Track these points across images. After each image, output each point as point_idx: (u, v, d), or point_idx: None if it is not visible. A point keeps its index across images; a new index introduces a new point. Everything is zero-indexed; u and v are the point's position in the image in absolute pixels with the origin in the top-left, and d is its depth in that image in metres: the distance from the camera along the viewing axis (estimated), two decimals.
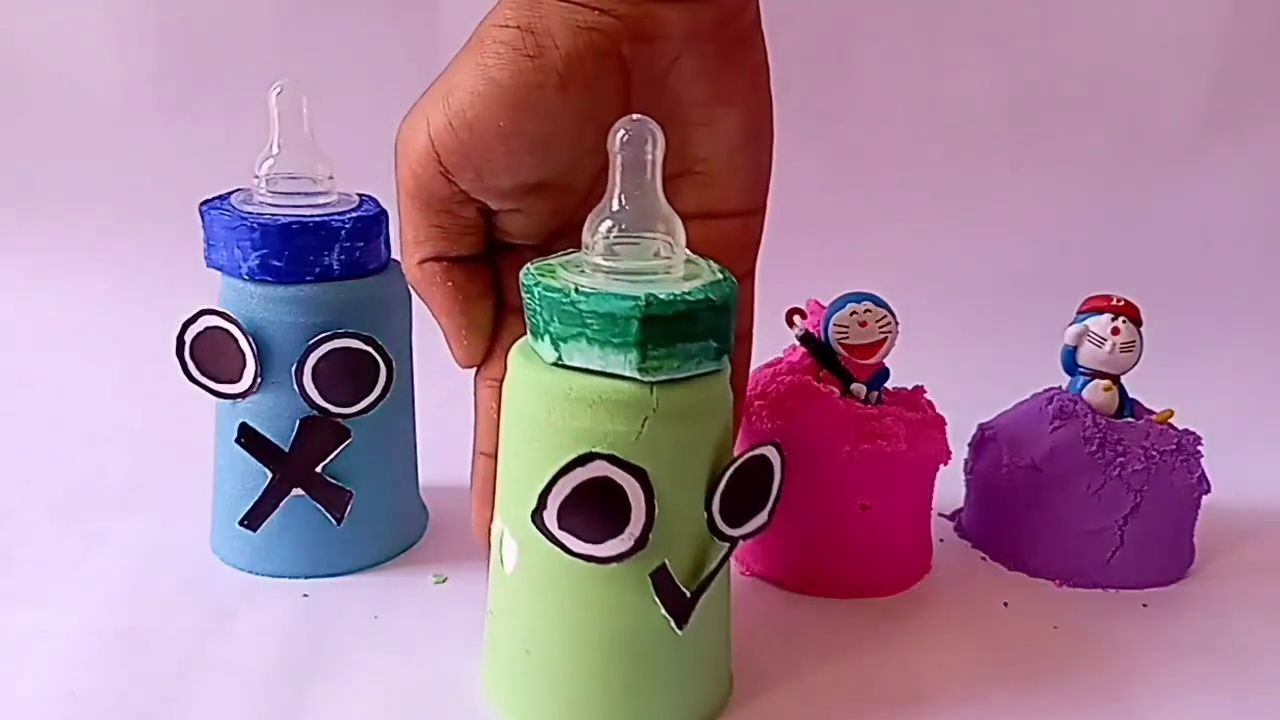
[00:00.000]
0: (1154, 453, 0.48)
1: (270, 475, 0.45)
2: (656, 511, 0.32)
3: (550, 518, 0.33)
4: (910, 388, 0.50)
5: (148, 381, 0.57)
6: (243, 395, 0.45)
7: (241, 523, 0.46)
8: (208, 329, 0.44)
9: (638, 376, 0.32)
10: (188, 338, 0.44)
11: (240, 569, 0.47)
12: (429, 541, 0.51)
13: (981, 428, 0.53)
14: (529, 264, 0.34)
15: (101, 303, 0.80)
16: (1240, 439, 0.60)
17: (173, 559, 0.48)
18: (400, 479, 0.50)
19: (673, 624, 0.34)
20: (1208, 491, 0.49)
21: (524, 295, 0.34)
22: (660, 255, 0.33)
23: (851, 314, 0.47)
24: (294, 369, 0.44)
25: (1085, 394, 0.50)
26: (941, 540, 0.53)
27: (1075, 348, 0.50)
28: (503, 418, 0.36)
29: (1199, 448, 0.49)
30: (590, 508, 0.32)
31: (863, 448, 0.46)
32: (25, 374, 0.69)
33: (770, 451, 0.35)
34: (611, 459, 0.32)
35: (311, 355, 0.44)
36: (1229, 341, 0.82)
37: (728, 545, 0.35)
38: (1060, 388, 0.51)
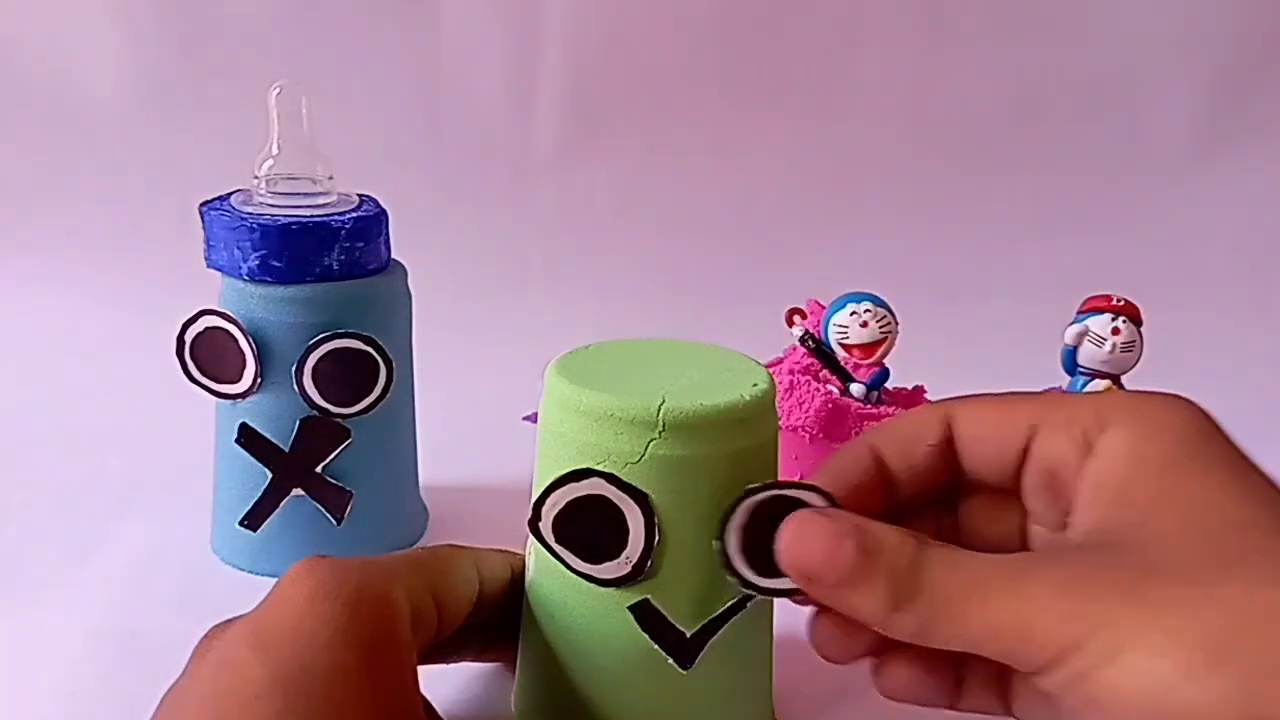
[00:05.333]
0: None
1: (270, 475, 0.45)
2: (658, 539, 0.31)
3: (546, 528, 0.32)
4: (910, 388, 0.50)
5: (148, 381, 0.57)
6: (243, 395, 0.45)
7: (241, 523, 0.46)
8: (208, 329, 0.44)
9: None
10: (188, 338, 0.44)
11: (240, 569, 0.47)
12: (429, 541, 0.51)
13: None
14: None
15: (102, 303, 0.80)
16: (1240, 439, 0.60)
17: (173, 559, 0.48)
18: (400, 479, 0.50)
19: (673, 662, 0.33)
20: None
21: None
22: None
23: (851, 314, 0.47)
24: (294, 369, 0.44)
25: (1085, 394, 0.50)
26: None
27: (1075, 348, 0.50)
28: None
29: None
30: (588, 525, 0.32)
31: None
32: (25, 374, 0.69)
33: (813, 497, 0.31)
34: (610, 478, 0.31)
35: (311, 355, 0.44)
36: (1229, 341, 0.82)
37: (742, 590, 0.32)
38: (1060, 388, 0.51)
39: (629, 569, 0.32)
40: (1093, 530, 0.27)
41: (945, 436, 0.31)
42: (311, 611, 0.28)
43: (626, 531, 0.31)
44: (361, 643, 0.28)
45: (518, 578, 0.36)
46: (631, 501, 0.31)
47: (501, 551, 0.36)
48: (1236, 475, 0.26)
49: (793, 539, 0.29)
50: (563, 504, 0.32)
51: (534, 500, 0.32)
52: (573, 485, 0.31)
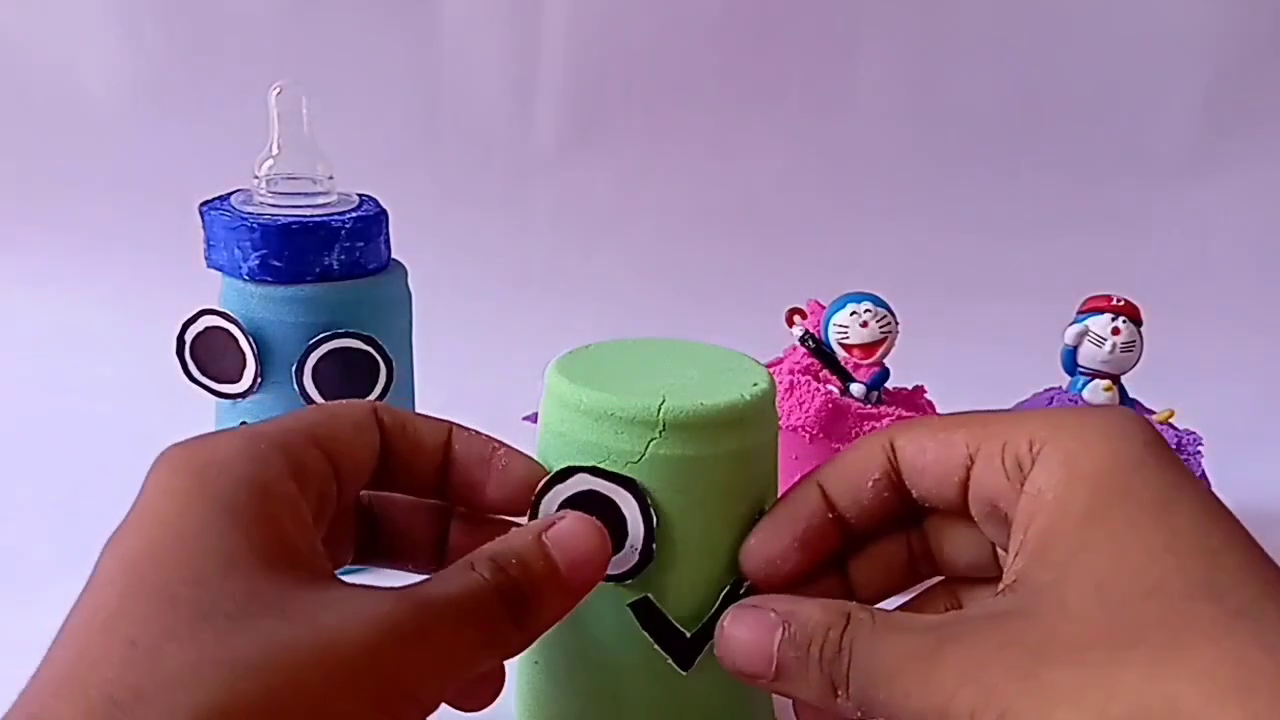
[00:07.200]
0: None
1: None
2: (656, 522, 0.31)
3: None
4: (910, 388, 0.50)
5: (148, 381, 0.57)
6: (243, 395, 0.45)
7: None
8: (208, 329, 0.44)
9: None
10: (188, 338, 0.44)
11: None
12: None
13: None
14: None
15: (102, 303, 0.80)
16: (1240, 439, 0.60)
17: None
18: None
19: (672, 663, 0.33)
20: None
21: None
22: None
23: (851, 314, 0.47)
24: (294, 369, 0.44)
25: (1085, 394, 0.50)
26: None
27: (1075, 348, 0.50)
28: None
29: (1199, 448, 0.49)
30: None
31: None
32: (26, 374, 0.69)
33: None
34: (594, 471, 0.31)
35: (311, 355, 0.44)
36: (1229, 341, 0.82)
37: (730, 587, 0.33)
38: (1060, 388, 0.51)
39: (636, 557, 0.31)
40: (1016, 582, 0.26)
41: (890, 469, 0.30)
42: (159, 489, 0.27)
43: (624, 520, 0.31)
44: (212, 499, 0.26)
45: (464, 446, 0.33)
46: (621, 490, 0.31)
47: (440, 420, 0.33)
48: (1160, 521, 0.24)
49: (726, 640, 0.29)
50: (556, 506, 0.32)
51: (530, 507, 0.32)
52: (560, 487, 0.31)
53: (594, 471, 0.31)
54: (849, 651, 0.26)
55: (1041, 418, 0.28)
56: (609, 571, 0.31)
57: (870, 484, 0.31)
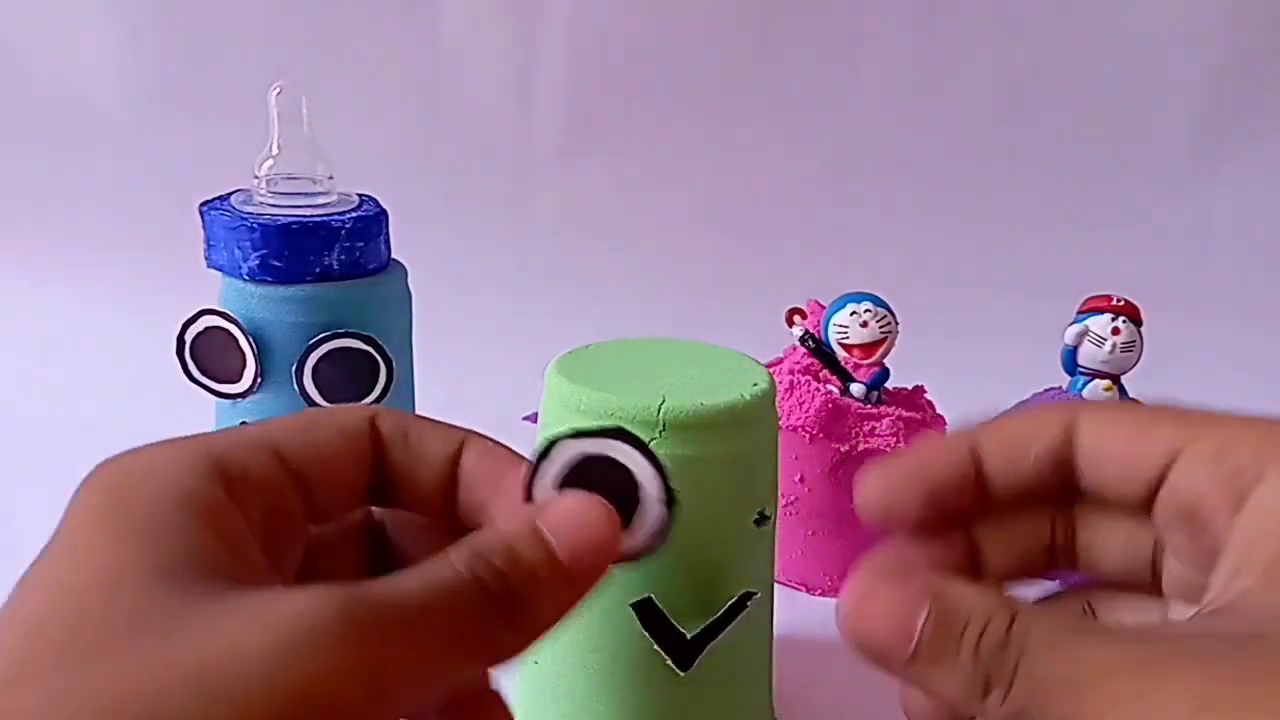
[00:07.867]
0: None
1: None
2: (672, 486, 0.26)
3: None
4: (910, 388, 0.50)
5: (148, 381, 0.57)
6: (243, 395, 0.45)
7: None
8: (208, 329, 0.44)
9: None
10: (188, 338, 0.44)
11: None
12: None
13: None
14: None
15: (102, 303, 0.80)
16: None
17: None
18: None
19: (671, 663, 0.32)
20: None
21: None
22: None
23: (851, 314, 0.47)
24: (294, 369, 0.44)
25: (1085, 394, 0.50)
26: None
27: (1075, 348, 0.50)
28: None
29: None
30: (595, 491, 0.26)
31: (863, 448, 0.46)
32: (25, 374, 0.69)
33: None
34: (576, 435, 0.26)
35: (311, 355, 0.44)
36: (1229, 341, 0.82)
37: (739, 598, 0.32)
38: (1060, 388, 0.51)
39: (660, 509, 0.26)
40: (1237, 602, 0.23)
41: (1062, 444, 0.27)
42: (72, 508, 0.25)
43: (630, 473, 0.27)
44: (117, 515, 0.24)
45: (475, 460, 0.28)
46: (612, 441, 0.27)
47: (456, 428, 0.29)
48: None
49: (854, 610, 0.24)
50: (552, 490, 0.27)
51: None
52: (544, 464, 0.26)
53: (576, 435, 0.26)
54: (1022, 647, 0.22)
55: (1268, 426, 0.25)
56: (638, 543, 0.27)
57: (1032, 454, 0.27)
